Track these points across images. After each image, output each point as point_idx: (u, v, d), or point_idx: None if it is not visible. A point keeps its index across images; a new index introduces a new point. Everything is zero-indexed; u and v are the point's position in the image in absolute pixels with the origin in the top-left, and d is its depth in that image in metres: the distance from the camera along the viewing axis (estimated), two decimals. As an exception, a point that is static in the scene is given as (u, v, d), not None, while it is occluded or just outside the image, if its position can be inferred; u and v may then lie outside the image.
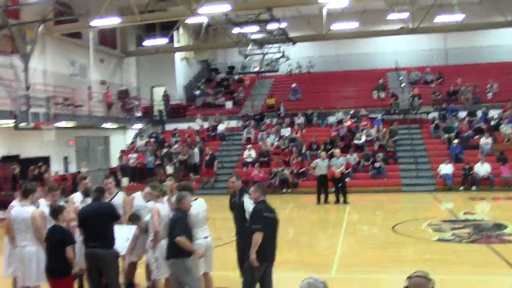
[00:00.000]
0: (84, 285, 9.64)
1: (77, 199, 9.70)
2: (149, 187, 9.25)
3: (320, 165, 22.13)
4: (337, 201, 21.92)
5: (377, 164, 26.37)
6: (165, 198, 9.07)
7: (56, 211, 8.01)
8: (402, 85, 33.91)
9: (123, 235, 8.65)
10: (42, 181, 21.31)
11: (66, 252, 7.68)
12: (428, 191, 24.66)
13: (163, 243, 8.38)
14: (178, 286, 8.16)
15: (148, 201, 9.33)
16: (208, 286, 8.96)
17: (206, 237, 8.71)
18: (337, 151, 23.44)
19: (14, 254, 8.82)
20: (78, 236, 8.77)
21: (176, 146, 30.10)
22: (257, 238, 7.70)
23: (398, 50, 37.76)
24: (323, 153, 23.18)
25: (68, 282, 7.88)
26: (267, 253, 7.90)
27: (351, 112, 31.96)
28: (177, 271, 8.03)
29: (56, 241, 7.78)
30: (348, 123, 30.64)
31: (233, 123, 33.99)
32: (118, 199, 9.67)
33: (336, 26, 33.06)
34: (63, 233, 7.85)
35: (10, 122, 22.06)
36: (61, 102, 27.02)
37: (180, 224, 7.90)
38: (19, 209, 8.61)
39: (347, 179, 23.31)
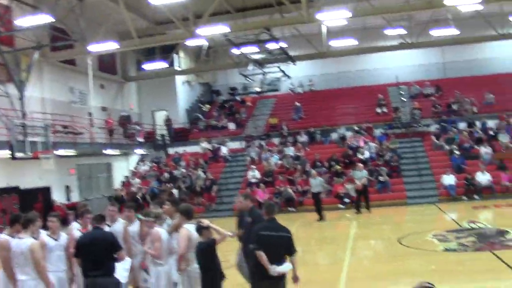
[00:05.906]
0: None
1: (76, 229, 9.35)
2: (143, 215, 9.15)
3: (313, 184, 23.18)
4: (358, 212, 23.54)
5: (381, 178, 26.59)
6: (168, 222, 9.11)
7: None
8: (403, 100, 34.16)
9: (122, 264, 8.53)
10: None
11: None
12: (432, 202, 24.84)
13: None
14: None
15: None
16: None
17: None
18: (360, 165, 25.13)
19: None
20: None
21: (180, 170, 30.26)
22: (258, 256, 7.76)
23: (397, 65, 37.85)
24: (314, 172, 24.37)
25: None
26: (265, 271, 7.78)
27: (355, 128, 32.06)
28: None
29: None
30: (351, 139, 30.72)
31: (237, 144, 34.00)
32: (119, 226, 9.63)
33: (336, 44, 33.53)
34: None
35: (7, 153, 21.47)
36: (61, 130, 26.60)
37: None
38: (17, 241, 7.93)
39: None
